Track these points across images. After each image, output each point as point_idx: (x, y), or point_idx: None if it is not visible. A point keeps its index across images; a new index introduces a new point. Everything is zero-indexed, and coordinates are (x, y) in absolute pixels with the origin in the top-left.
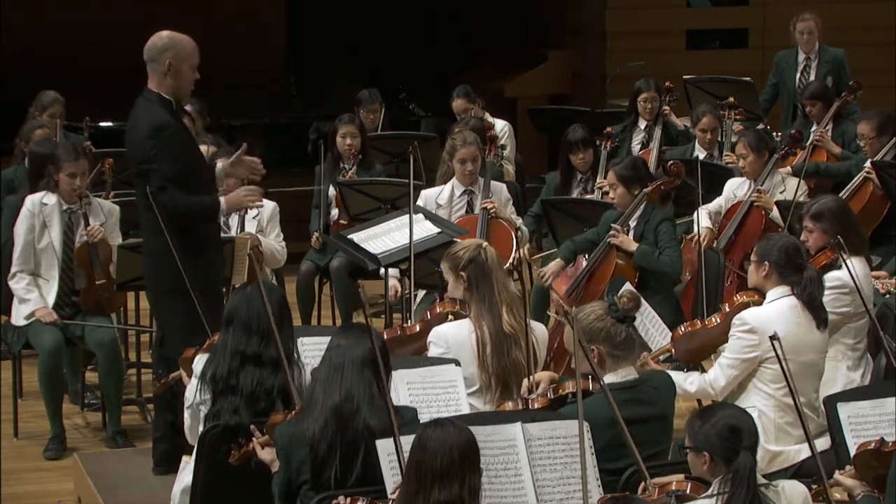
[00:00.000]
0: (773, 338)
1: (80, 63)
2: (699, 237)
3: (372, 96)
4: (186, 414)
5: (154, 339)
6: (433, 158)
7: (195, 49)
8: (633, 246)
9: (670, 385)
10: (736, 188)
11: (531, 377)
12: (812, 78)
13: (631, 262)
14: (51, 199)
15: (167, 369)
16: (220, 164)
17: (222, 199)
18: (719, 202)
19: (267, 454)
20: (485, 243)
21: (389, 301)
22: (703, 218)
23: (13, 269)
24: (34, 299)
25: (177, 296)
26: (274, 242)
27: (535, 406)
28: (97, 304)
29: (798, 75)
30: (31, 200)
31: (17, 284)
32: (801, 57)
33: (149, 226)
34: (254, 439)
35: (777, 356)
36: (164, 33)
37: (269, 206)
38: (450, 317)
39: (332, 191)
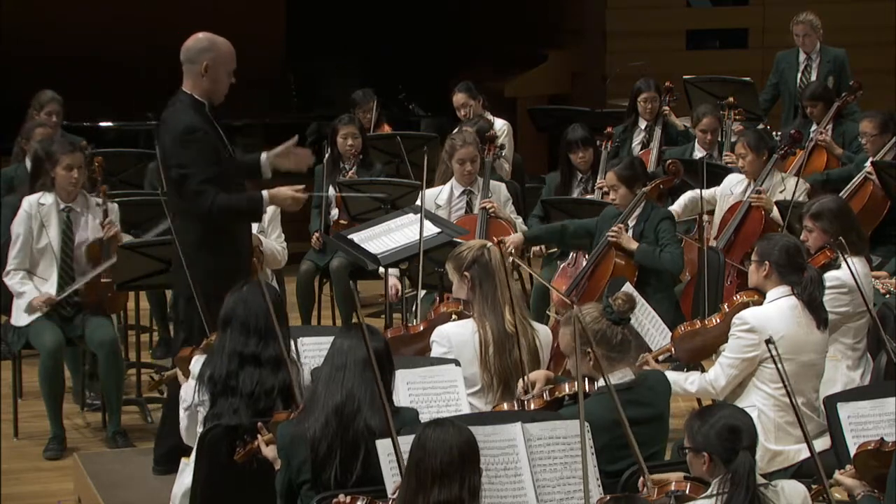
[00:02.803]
0: (768, 341)
1: (80, 63)
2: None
3: (366, 96)
4: (183, 415)
5: (174, 339)
6: (433, 158)
7: (233, 53)
8: (634, 245)
9: (666, 385)
10: (735, 185)
11: (525, 377)
12: (813, 78)
13: (630, 261)
14: (48, 198)
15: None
16: (264, 155)
17: (265, 192)
18: (714, 191)
19: (270, 452)
20: (489, 244)
21: (390, 301)
22: (682, 199)
23: (7, 267)
24: (29, 290)
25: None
26: (275, 243)
27: (531, 407)
28: (99, 303)
29: (799, 75)
30: (28, 201)
31: (11, 280)
32: (802, 57)
33: (187, 228)
34: (258, 436)
35: (773, 360)
36: (202, 35)
37: (270, 206)
38: (453, 316)
39: (331, 191)
